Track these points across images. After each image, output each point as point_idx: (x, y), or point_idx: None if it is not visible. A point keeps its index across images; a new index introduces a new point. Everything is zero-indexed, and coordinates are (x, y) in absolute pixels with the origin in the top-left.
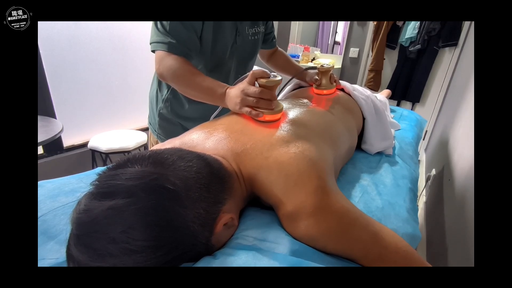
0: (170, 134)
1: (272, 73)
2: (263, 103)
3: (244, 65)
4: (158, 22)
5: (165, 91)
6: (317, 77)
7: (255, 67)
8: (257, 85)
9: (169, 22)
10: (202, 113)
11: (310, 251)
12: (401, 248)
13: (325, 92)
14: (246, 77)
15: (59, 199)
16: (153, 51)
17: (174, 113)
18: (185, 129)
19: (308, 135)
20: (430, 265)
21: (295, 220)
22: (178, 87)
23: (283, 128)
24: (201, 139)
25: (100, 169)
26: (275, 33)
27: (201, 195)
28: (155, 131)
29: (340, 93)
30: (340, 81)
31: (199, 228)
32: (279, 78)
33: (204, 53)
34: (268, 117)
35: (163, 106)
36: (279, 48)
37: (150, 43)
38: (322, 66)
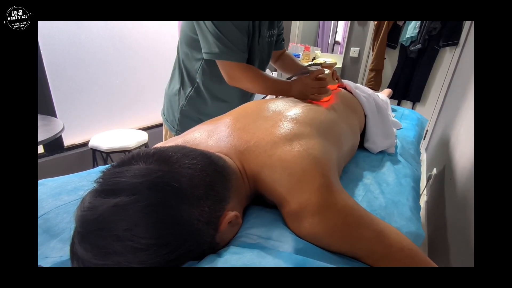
0: None
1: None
2: (322, 90)
3: (263, 66)
4: (210, 28)
5: (188, 89)
6: None
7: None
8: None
9: (221, 25)
10: (224, 111)
11: (314, 250)
12: (406, 247)
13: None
14: (302, 73)
15: (61, 197)
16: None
17: (196, 110)
18: None
19: (311, 133)
20: (434, 264)
21: (299, 218)
22: (248, 85)
23: (286, 126)
24: (203, 137)
25: (103, 167)
26: None
27: (206, 193)
28: (174, 127)
29: (342, 90)
30: (343, 80)
31: (204, 226)
32: (328, 72)
33: None
34: (325, 99)
35: (186, 104)
36: (287, 51)
37: (209, 53)
38: (325, 62)
